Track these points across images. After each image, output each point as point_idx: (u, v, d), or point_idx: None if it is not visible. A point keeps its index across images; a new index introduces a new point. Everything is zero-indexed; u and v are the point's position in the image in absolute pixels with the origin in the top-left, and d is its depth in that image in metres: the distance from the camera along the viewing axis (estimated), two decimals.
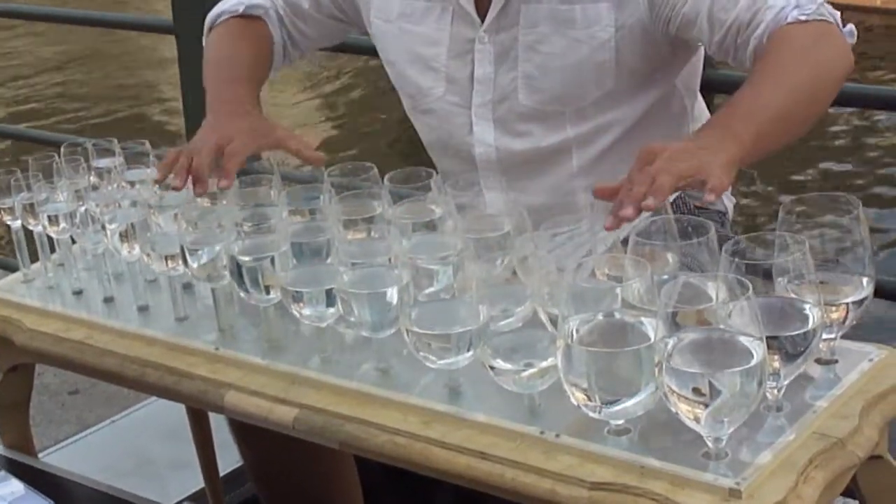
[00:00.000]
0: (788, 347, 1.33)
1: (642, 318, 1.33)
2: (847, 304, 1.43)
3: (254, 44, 2.10)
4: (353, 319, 1.53)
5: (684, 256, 1.45)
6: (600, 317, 1.35)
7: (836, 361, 1.47)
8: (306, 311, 1.58)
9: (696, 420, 1.27)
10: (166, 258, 1.75)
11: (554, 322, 1.38)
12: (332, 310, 1.57)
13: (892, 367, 1.48)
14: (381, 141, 8.05)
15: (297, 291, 1.58)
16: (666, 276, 1.39)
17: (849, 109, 7.37)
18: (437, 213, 1.64)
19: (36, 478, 1.90)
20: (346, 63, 9.58)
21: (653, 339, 1.29)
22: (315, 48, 2.26)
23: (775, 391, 1.37)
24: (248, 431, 1.99)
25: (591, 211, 1.60)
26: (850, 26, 1.76)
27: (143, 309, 1.84)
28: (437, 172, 1.79)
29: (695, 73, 2.05)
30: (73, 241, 1.94)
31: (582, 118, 1.95)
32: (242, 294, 1.66)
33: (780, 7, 1.72)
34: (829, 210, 1.45)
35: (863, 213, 1.42)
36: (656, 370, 1.27)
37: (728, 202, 2.14)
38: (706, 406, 1.25)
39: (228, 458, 2.38)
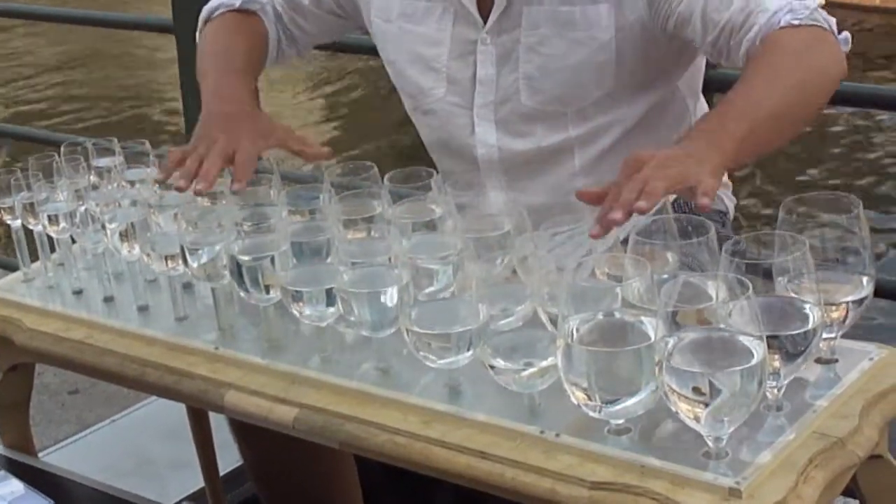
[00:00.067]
0: (788, 347, 1.33)
1: (642, 318, 1.33)
2: (847, 303, 1.43)
3: (249, 38, 2.10)
4: (353, 319, 1.53)
5: (684, 256, 1.45)
6: (600, 316, 1.35)
7: (837, 361, 1.47)
8: (306, 311, 1.58)
9: (697, 419, 1.27)
10: (166, 258, 1.75)
11: (554, 321, 1.38)
12: (332, 309, 1.57)
13: (892, 367, 1.48)
14: (383, 142, 8.06)
15: (297, 291, 1.58)
16: (666, 276, 1.39)
17: (849, 109, 7.37)
18: (437, 213, 1.64)
19: (36, 477, 1.90)
20: (346, 63, 9.58)
21: (653, 339, 1.29)
22: (312, 45, 2.26)
23: (775, 391, 1.37)
24: (248, 431, 1.99)
25: (591, 211, 1.60)
26: (846, 34, 1.75)
27: (143, 308, 1.84)
28: (437, 172, 1.79)
29: (697, 74, 2.05)
30: (73, 241, 1.94)
31: (583, 118, 1.95)
32: (242, 294, 1.66)
33: (773, 11, 1.71)
34: (829, 209, 1.44)
35: (863, 213, 1.42)
36: (656, 369, 1.27)
37: (729, 202, 2.14)
38: (706, 405, 1.25)
39: (228, 457, 2.38)
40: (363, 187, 1.72)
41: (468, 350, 1.44)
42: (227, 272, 1.66)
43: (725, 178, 2.13)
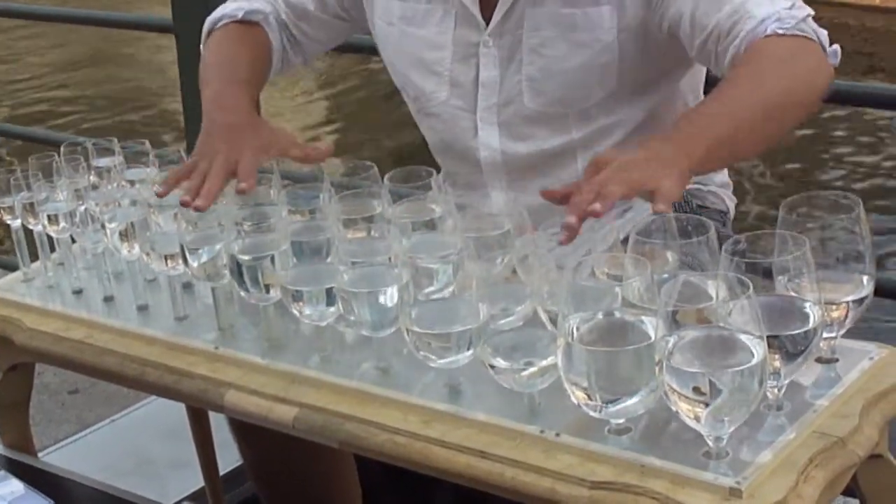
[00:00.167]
0: (789, 346, 1.33)
1: (642, 317, 1.33)
2: (847, 302, 1.42)
3: (252, 49, 2.09)
4: (353, 318, 1.53)
5: (684, 255, 1.45)
6: (600, 315, 1.35)
7: (837, 360, 1.47)
8: (306, 311, 1.58)
9: (697, 419, 1.27)
10: (166, 257, 1.75)
11: (554, 321, 1.38)
12: (332, 309, 1.57)
13: (892, 366, 1.48)
14: (384, 143, 8.05)
15: (297, 290, 1.58)
16: (666, 275, 1.39)
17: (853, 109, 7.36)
18: (437, 213, 1.64)
19: (36, 477, 1.90)
20: (348, 64, 9.57)
21: (653, 338, 1.29)
22: (319, 51, 2.25)
23: (776, 390, 1.37)
24: (247, 430, 1.99)
25: None
26: (836, 47, 1.74)
27: (142, 308, 1.84)
28: (437, 172, 1.79)
29: (699, 75, 2.04)
30: (73, 241, 1.94)
31: (586, 120, 1.95)
32: (242, 293, 1.65)
33: (760, 18, 1.70)
34: (829, 209, 1.44)
35: (863, 212, 1.42)
36: (657, 369, 1.27)
37: (729, 202, 2.14)
38: (706, 405, 1.25)
39: (228, 457, 2.38)
40: (363, 187, 1.72)
41: (468, 349, 1.44)
42: (226, 272, 1.66)
43: (726, 178, 2.14)
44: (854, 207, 1.42)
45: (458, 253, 1.52)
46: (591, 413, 1.34)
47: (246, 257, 1.62)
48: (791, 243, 1.36)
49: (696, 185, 2.05)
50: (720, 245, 1.38)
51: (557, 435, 1.38)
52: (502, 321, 1.45)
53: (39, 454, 2.20)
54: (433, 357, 1.46)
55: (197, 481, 2.46)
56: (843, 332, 1.45)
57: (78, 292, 1.92)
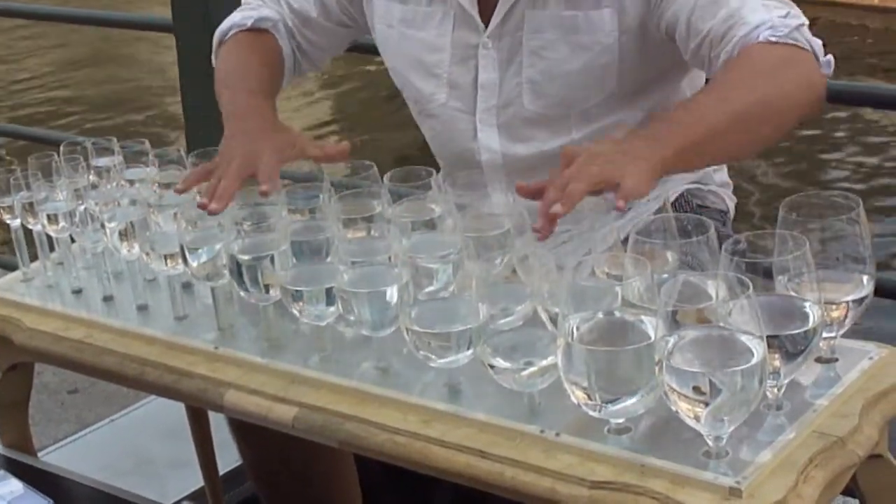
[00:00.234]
0: (789, 346, 1.33)
1: (642, 317, 1.33)
2: (847, 302, 1.42)
3: (264, 56, 2.09)
4: (352, 318, 1.53)
5: (684, 255, 1.45)
6: (600, 315, 1.35)
7: (837, 360, 1.47)
8: (306, 310, 1.58)
9: (697, 419, 1.27)
10: (166, 257, 1.75)
11: (554, 321, 1.38)
12: (331, 308, 1.57)
13: (892, 366, 1.48)
14: (385, 144, 8.05)
15: (296, 290, 1.58)
16: (666, 275, 1.39)
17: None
18: (437, 212, 1.64)
19: (35, 477, 1.90)
20: (349, 65, 9.57)
21: (653, 338, 1.29)
22: (323, 59, 2.25)
23: (775, 390, 1.37)
24: (247, 430, 1.99)
25: (591, 211, 1.60)
26: (829, 57, 1.73)
27: (142, 308, 1.83)
28: (437, 172, 1.79)
29: (700, 75, 2.04)
30: (73, 240, 1.94)
31: (586, 121, 1.95)
32: (242, 293, 1.65)
33: (754, 25, 1.69)
34: (829, 209, 1.44)
35: (863, 212, 1.42)
36: (656, 369, 1.27)
37: (729, 202, 2.13)
38: (706, 405, 1.25)
39: (228, 457, 2.38)
40: (363, 186, 1.72)
41: (468, 349, 1.44)
42: (226, 271, 1.66)
43: (726, 177, 2.13)
44: (854, 207, 1.42)
45: (458, 253, 1.52)
46: (591, 413, 1.34)
47: (246, 257, 1.62)
48: (791, 243, 1.36)
49: (696, 185, 2.05)
50: (720, 245, 1.38)
51: (557, 435, 1.38)
52: (502, 321, 1.45)
53: (39, 454, 2.20)
54: (433, 357, 1.46)
55: (196, 481, 2.46)
56: (842, 331, 1.45)
57: (77, 292, 1.92)
